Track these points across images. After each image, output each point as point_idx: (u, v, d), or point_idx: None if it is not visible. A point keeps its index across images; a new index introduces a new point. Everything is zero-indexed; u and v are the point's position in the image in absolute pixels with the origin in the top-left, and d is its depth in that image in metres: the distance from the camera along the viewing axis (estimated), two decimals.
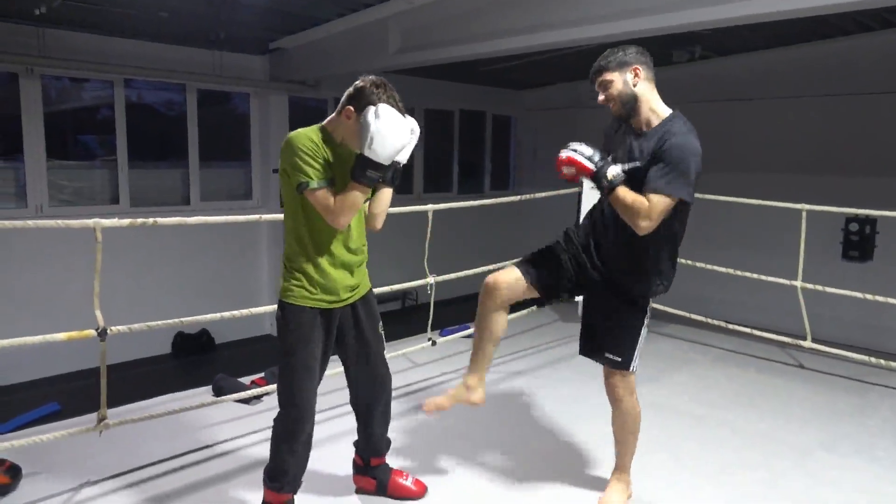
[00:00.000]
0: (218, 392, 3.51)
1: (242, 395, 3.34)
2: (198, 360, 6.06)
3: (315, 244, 2.22)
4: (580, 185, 2.75)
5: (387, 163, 2.10)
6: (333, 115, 2.25)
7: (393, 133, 2.06)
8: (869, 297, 4.07)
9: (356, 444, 2.63)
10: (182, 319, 3.13)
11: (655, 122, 2.36)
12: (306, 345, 2.23)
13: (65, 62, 5.58)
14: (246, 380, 3.82)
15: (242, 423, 3.29)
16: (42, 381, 5.77)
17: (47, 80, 5.84)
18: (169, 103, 6.98)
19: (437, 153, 8.66)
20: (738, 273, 4.69)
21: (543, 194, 4.96)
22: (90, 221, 2.65)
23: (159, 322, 3.04)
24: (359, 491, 2.65)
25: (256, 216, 3.38)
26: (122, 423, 2.85)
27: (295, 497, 2.39)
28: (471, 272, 4.26)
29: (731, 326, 4.68)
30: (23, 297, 5.67)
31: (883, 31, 5.61)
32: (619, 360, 2.52)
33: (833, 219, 5.51)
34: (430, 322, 4.00)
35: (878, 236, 5.89)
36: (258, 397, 3.53)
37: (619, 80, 2.35)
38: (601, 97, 2.40)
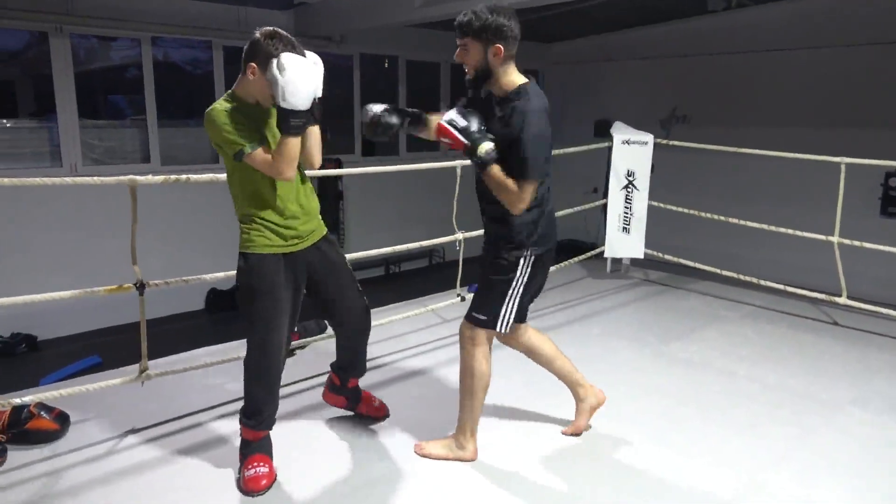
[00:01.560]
0: None
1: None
2: (230, 316, 6.20)
3: (265, 201, 2.34)
4: None
5: (305, 107, 2.17)
6: (239, 76, 2.30)
7: (301, 79, 2.13)
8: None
9: (336, 365, 2.80)
10: (215, 275, 3.20)
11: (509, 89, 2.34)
12: (272, 288, 2.35)
13: (92, 20, 5.60)
14: None
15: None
16: (82, 335, 5.97)
17: (76, 40, 5.88)
18: (195, 61, 6.99)
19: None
20: (772, 228, 4.59)
21: (573, 150, 4.88)
22: (125, 178, 2.69)
23: (195, 277, 3.11)
24: (329, 405, 2.88)
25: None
26: (162, 374, 2.95)
27: (270, 433, 2.54)
28: None
29: (763, 283, 4.62)
30: (61, 254, 5.83)
31: None
32: (484, 318, 2.49)
33: (873, 173, 5.35)
34: (458, 278, 4.02)
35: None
36: (291, 352, 3.60)
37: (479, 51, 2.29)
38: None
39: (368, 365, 2.94)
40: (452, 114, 2.32)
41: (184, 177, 2.94)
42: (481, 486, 2.47)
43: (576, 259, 5.05)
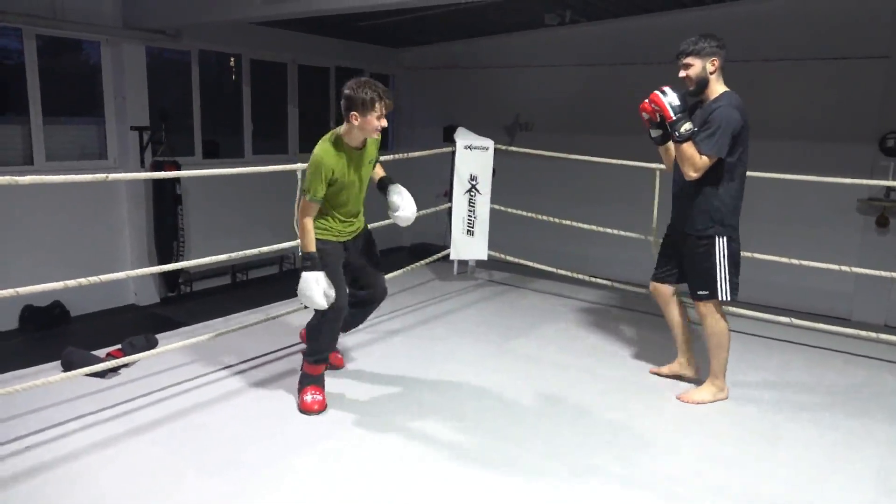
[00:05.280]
0: (67, 367, 3.25)
1: (95, 367, 3.12)
2: (49, 335, 5.59)
3: (328, 212, 3.03)
4: (649, 131, 3.20)
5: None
6: (344, 125, 2.89)
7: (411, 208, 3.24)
8: None
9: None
10: (26, 289, 2.83)
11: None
12: (335, 261, 3.03)
13: None
14: (101, 352, 3.57)
15: (97, 399, 3.08)
16: None
17: None
18: (5, 51, 6.24)
19: (313, 111, 8.40)
20: (600, 229, 4.94)
21: (418, 154, 4.94)
22: None
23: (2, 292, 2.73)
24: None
25: (103, 175, 3.10)
26: None
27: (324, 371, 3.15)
28: None
29: (594, 280, 4.95)
30: None
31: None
32: (707, 292, 3.15)
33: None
34: None
35: None
36: (115, 370, 3.31)
37: (699, 65, 3.03)
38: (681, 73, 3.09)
39: (207, 377, 2.77)
40: (667, 89, 2.97)
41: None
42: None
43: (422, 262, 5.12)
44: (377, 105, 2.79)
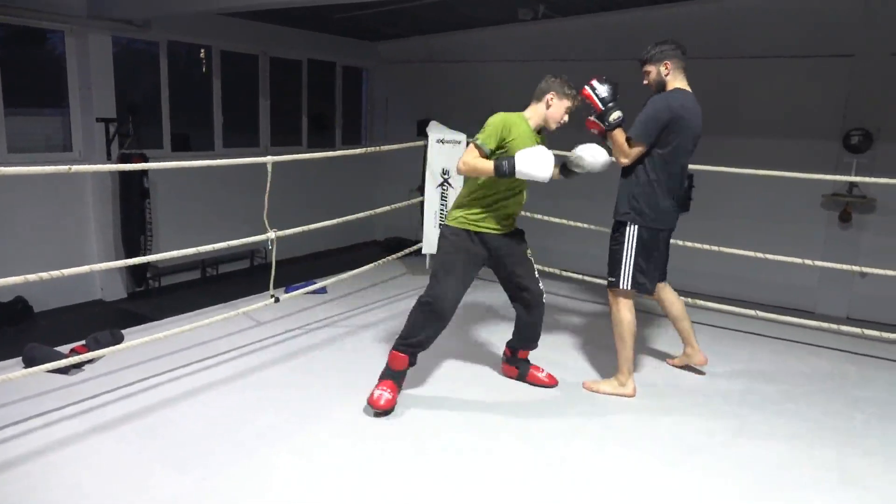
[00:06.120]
0: (29, 363, 3.18)
1: (58, 363, 3.05)
2: (11, 331, 5.44)
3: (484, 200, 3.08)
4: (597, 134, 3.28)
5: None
6: (533, 103, 3.09)
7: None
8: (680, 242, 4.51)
9: (511, 340, 3.40)
10: None
11: None
12: (461, 258, 3.10)
13: None
14: (65, 348, 3.49)
15: (60, 395, 3.02)
16: None
17: None
18: None
19: (285, 105, 8.30)
20: (564, 222, 4.98)
21: (389, 147, 4.92)
22: None
23: None
24: (504, 375, 3.46)
25: (66, 167, 3.02)
26: None
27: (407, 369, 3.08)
28: (314, 226, 4.17)
29: (564, 273, 5.00)
30: None
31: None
32: (613, 279, 3.24)
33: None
34: (272, 279, 3.87)
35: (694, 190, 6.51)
36: (79, 366, 3.25)
37: (655, 70, 3.16)
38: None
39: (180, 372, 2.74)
40: (595, 83, 3.15)
41: None
42: None
43: (394, 256, 5.10)
44: (573, 101, 3.04)
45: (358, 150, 4.88)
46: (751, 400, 3.34)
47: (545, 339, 3.95)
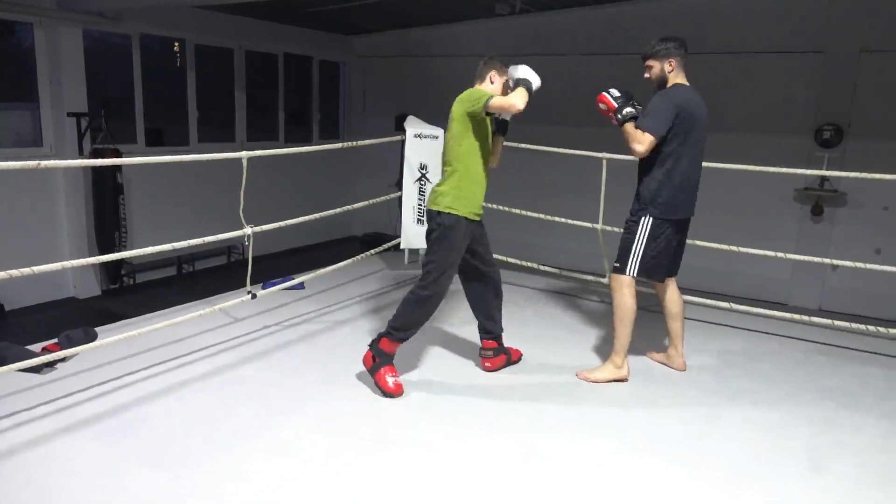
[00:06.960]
0: (0, 362, 3.11)
1: (30, 362, 3.00)
2: None
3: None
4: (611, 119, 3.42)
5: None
6: (476, 83, 3.28)
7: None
8: None
9: (484, 332, 3.48)
10: None
11: None
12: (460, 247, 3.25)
13: None
14: (37, 347, 3.43)
15: (32, 395, 2.97)
16: None
17: None
18: None
19: (261, 100, 8.21)
20: (549, 217, 4.99)
21: (367, 142, 4.89)
22: None
23: None
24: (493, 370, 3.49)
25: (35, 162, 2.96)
26: None
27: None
28: (291, 222, 4.14)
29: (542, 268, 5.01)
30: None
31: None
32: (618, 265, 3.35)
33: (631, 166, 6.02)
34: (248, 275, 3.84)
35: None
36: (51, 364, 3.19)
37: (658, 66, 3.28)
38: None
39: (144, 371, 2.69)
40: (611, 88, 3.34)
41: None
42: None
43: (373, 251, 5.09)
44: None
45: (335, 145, 4.85)
46: (724, 391, 3.39)
47: (519, 333, 3.98)
